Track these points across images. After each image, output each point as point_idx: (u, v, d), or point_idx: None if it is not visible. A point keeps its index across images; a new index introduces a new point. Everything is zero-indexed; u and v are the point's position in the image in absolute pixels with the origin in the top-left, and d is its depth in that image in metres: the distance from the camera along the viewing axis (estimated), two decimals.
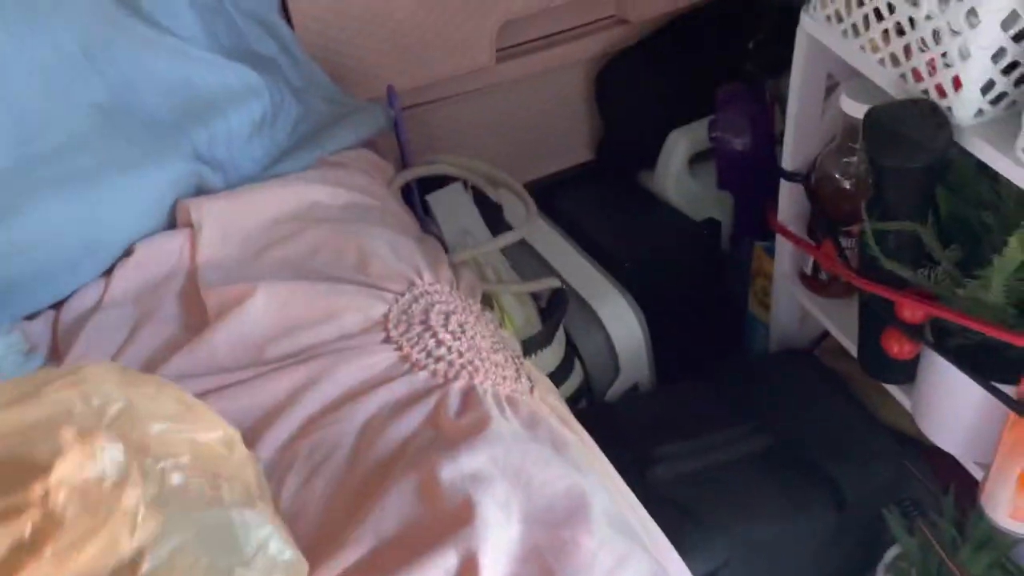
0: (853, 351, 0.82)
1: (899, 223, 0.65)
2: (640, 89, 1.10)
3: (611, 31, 1.08)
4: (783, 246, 0.91)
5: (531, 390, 0.62)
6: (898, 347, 0.71)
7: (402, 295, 0.64)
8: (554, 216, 1.11)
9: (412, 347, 0.59)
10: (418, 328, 0.61)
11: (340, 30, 0.93)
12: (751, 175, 0.98)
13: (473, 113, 1.08)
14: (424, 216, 0.93)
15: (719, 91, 0.98)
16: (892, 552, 0.86)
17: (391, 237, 0.70)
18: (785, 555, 0.78)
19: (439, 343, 0.60)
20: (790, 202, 0.87)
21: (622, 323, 0.93)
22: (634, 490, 0.58)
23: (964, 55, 0.58)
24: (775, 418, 0.83)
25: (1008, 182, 0.61)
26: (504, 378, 0.60)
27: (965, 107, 0.61)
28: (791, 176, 0.85)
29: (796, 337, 0.99)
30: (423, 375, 0.58)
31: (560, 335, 0.87)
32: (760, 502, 0.77)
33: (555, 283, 0.86)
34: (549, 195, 1.17)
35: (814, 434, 0.81)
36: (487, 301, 0.84)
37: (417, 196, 0.92)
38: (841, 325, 0.86)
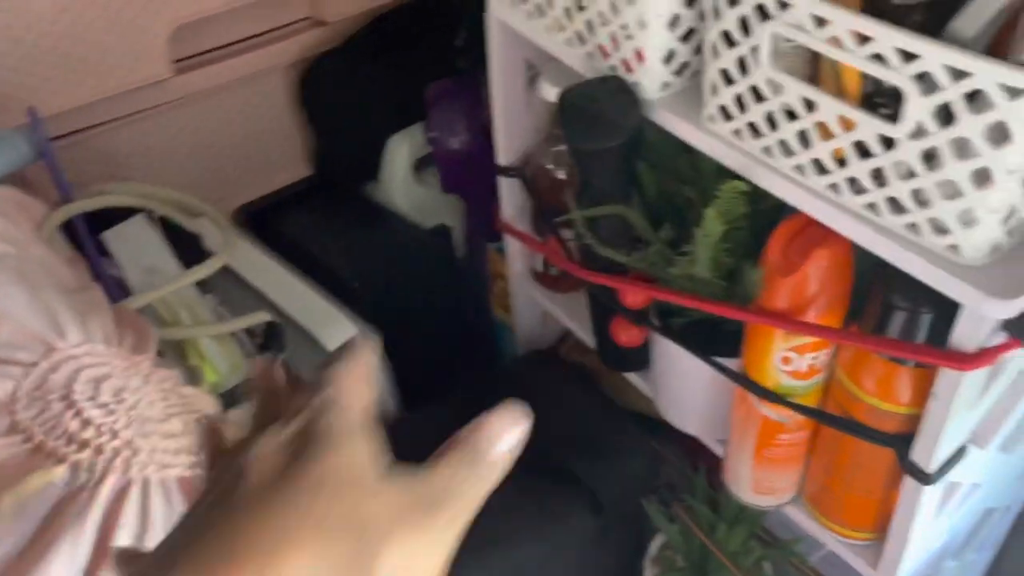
0: (593, 345, 0.79)
1: (606, 207, 0.62)
2: (349, 94, 1.01)
3: (308, 33, 0.99)
4: (513, 245, 0.87)
5: None
6: (626, 335, 0.69)
7: (34, 365, 0.50)
8: (273, 241, 0.99)
9: (47, 434, 0.47)
10: (57, 406, 0.48)
11: None
12: (474, 174, 0.93)
13: (160, 133, 0.95)
14: (100, 258, 0.78)
15: (428, 89, 0.93)
16: (657, 542, 0.84)
17: (27, 292, 0.56)
18: (549, 570, 0.74)
19: (85, 423, 0.48)
20: (512, 198, 0.83)
21: None
22: None
23: (642, 25, 0.56)
24: None
25: (705, 154, 0.59)
26: (177, 452, 0.49)
27: (651, 80, 0.58)
28: (507, 171, 0.80)
29: (541, 337, 0.96)
30: (61, 472, 0.45)
31: None
32: (515, 524, 0.71)
33: (264, 317, 0.75)
34: (265, 219, 1.06)
35: (562, 439, 0.77)
36: (180, 350, 0.72)
37: (87, 235, 0.77)
38: (579, 320, 0.83)
